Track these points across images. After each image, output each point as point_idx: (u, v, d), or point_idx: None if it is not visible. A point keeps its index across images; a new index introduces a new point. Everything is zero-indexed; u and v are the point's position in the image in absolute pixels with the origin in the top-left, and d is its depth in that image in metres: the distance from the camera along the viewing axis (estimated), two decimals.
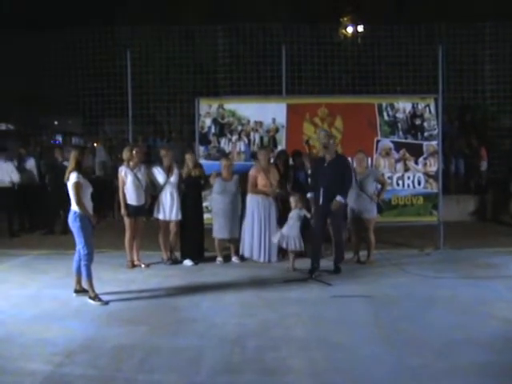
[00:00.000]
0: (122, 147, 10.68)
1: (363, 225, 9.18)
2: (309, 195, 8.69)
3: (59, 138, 20.27)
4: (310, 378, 4.82)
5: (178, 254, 9.44)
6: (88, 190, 7.19)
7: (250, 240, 9.28)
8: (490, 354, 5.23)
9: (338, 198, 8.35)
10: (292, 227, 8.72)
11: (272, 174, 9.29)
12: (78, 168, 7.07)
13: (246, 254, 9.36)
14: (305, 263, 8.50)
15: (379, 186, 9.31)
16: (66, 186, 7.11)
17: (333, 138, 8.87)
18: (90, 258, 7.03)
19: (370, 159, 10.09)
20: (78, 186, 6.98)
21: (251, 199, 9.29)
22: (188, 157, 9.42)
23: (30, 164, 12.48)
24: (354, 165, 9.39)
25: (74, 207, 7.02)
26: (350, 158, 9.34)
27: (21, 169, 12.27)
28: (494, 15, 14.31)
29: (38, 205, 12.27)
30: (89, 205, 7.15)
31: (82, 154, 7.25)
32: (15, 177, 11.99)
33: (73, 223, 7.03)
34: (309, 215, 8.68)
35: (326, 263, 8.72)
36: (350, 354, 5.29)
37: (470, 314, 6.46)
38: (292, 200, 8.83)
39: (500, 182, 13.98)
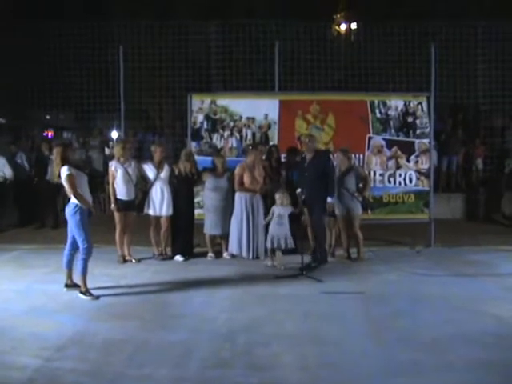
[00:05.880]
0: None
1: (349, 222, 9.18)
2: (298, 190, 8.77)
3: (51, 133, 20.17)
4: (299, 373, 4.82)
5: (168, 250, 9.43)
6: (83, 180, 7.03)
7: (239, 237, 9.24)
8: (480, 350, 5.25)
9: (329, 199, 8.66)
10: (281, 226, 8.64)
11: (258, 170, 9.26)
12: (66, 163, 6.87)
13: (235, 252, 9.32)
14: (297, 259, 8.49)
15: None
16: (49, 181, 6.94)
17: (313, 137, 9.00)
18: (89, 251, 6.95)
19: (361, 156, 10.14)
20: (70, 177, 6.83)
21: (239, 197, 9.28)
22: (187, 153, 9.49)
23: (19, 159, 12.38)
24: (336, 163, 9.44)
25: (73, 200, 6.87)
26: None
27: (11, 164, 12.21)
28: (487, 14, 14.34)
29: (28, 199, 12.21)
30: (87, 195, 7.01)
31: (65, 151, 6.96)
32: (8, 172, 11.91)
33: (72, 217, 6.87)
34: (295, 210, 8.68)
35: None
36: (341, 350, 5.30)
37: (461, 311, 6.48)
38: (277, 197, 8.77)
39: (492, 180, 14.04)
